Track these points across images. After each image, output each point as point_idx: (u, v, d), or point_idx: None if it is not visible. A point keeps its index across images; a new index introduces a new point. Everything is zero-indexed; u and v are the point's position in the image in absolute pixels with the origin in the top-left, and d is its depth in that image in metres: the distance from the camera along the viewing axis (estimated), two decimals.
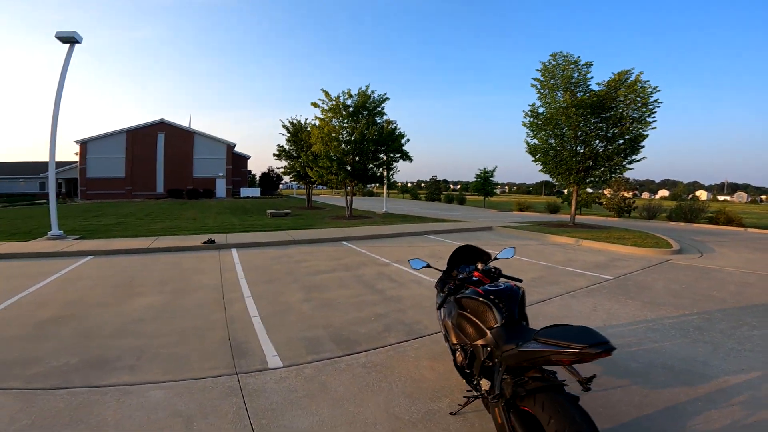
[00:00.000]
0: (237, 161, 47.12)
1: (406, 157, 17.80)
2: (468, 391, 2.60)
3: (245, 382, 3.16)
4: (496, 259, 3.16)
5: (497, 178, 35.91)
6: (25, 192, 40.78)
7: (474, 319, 2.45)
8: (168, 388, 3.09)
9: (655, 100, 12.66)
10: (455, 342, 2.67)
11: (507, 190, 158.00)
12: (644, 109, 12.79)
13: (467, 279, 2.83)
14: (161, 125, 41.44)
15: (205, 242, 9.69)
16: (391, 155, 17.70)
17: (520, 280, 2.90)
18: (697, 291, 6.10)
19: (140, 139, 40.25)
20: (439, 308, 3.00)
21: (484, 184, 35.02)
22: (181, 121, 49.47)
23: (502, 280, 2.86)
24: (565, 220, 16.22)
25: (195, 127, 45.02)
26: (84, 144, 38.60)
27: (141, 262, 7.95)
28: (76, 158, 39.31)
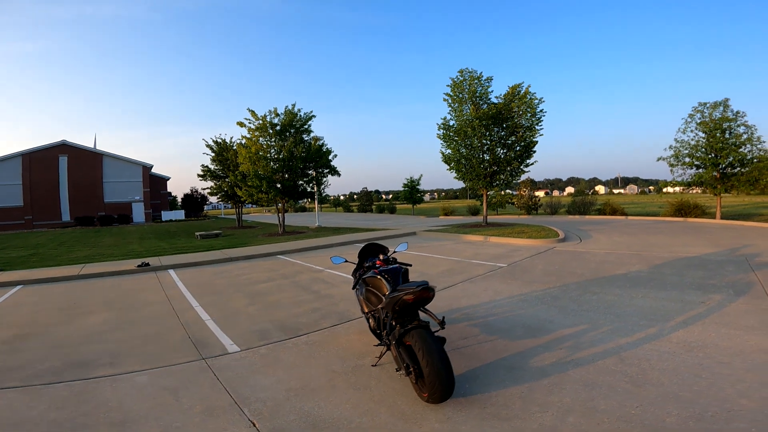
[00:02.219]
0: (155, 183, 44.58)
1: (334, 172, 18.78)
2: (377, 344, 3.72)
3: (212, 363, 3.98)
4: (395, 252, 4.43)
5: (426, 186, 38.63)
6: None
7: (375, 291, 3.66)
8: (150, 373, 3.81)
9: (541, 110, 15.20)
10: (366, 311, 3.86)
11: (436, 196, 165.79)
12: (533, 119, 15.25)
13: (372, 267, 4.00)
14: (63, 147, 37.98)
15: (139, 265, 9.83)
16: (320, 170, 18.53)
17: (410, 265, 4.14)
18: (565, 270, 7.86)
19: (39, 162, 36.54)
20: (353, 288, 4.20)
21: (412, 192, 37.07)
22: (86, 142, 45.45)
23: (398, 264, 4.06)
24: (480, 221, 18.35)
25: (103, 148, 41.75)
26: None
27: (76, 287, 8.03)
28: None
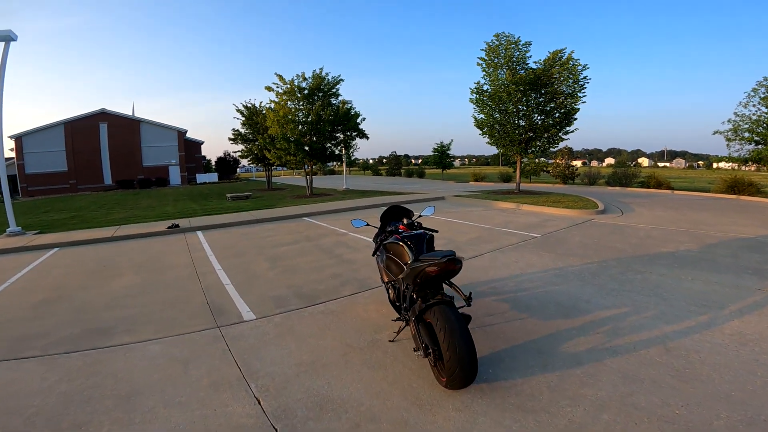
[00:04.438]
0: (190, 147, 45.57)
1: (362, 135, 18.46)
2: (395, 319, 3.46)
3: (226, 332, 3.89)
4: (420, 216, 4.04)
5: (457, 151, 37.58)
6: None
7: (395, 258, 3.30)
8: (163, 342, 3.76)
9: (585, 77, 14.12)
10: (386, 280, 3.53)
11: (466, 162, 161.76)
12: (576, 86, 14.21)
13: (394, 231, 3.62)
14: (102, 115, 39.16)
15: (169, 227, 10.02)
16: (348, 133, 18.31)
17: (436, 231, 3.78)
18: (604, 244, 7.26)
19: (80, 130, 37.94)
20: (373, 254, 3.84)
21: (442, 157, 36.17)
22: (124, 109, 46.88)
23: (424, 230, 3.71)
24: (513, 188, 17.59)
25: (140, 114, 42.83)
26: (19, 139, 35.97)
27: (108, 250, 8.27)
28: (13, 154, 36.62)
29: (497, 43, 14.95)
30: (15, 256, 8.01)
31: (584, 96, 14.43)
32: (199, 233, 9.61)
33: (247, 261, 6.67)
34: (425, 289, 2.93)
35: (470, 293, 2.96)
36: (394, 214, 4.08)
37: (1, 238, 10.04)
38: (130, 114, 41.70)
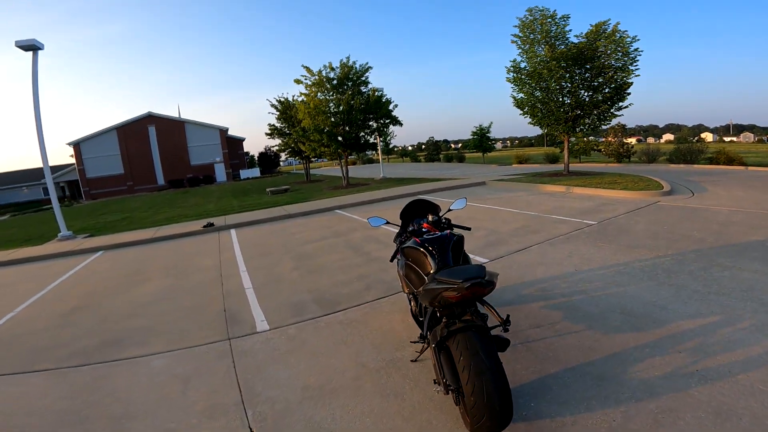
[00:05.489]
0: (233, 144, 47.04)
1: (396, 122, 17.91)
2: (419, 337, 2.90)
3: (236, 345, 3.56)
4: (449, 210, 3.42)
5: (497, 134, 35.84)
6: (30, 199, 41.47)
7: (415, 267, 2.70)
8: (170, 357, 3.51)
9: (636, 49, 12.76)
10: (407, 291, 2.97)
11: (509, 144, 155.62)
12: (626, 58, 12.85)
13: (417, 231, 3.04)
14: (150, 118, 41.24)
15: (204, 226, 10.07)
16: (382, 121, 17.82)
17: (469, 228, 3.16)
18: (678, 232, 6.11)
19: (132, 133, 40.18)
20: (392, 259, 3.25)
21: (482, 140, 34.79)
22: (171, 111, 49.22)
23: (454, 230, 3.09)
24: (560, 170, 16.26)
25: (185, 115, 44.69)
26: (77, 145, 38.67)
27: (146, 252, 8.39)
28: (73, 160, 39.61)
29: (531, 18, 13.69)
30: (62, 261, 8.32)
31: (637, 69, 12.92)
32: (232, 231, 9.56)
33: (273, 261, 6.39)
34: (450, 307, 2.31)
35: (508, 316, 2.30)
36: (417, 210, 3.47)
37: (53, 242, 10.59)
38: (176, 116, 43.59)
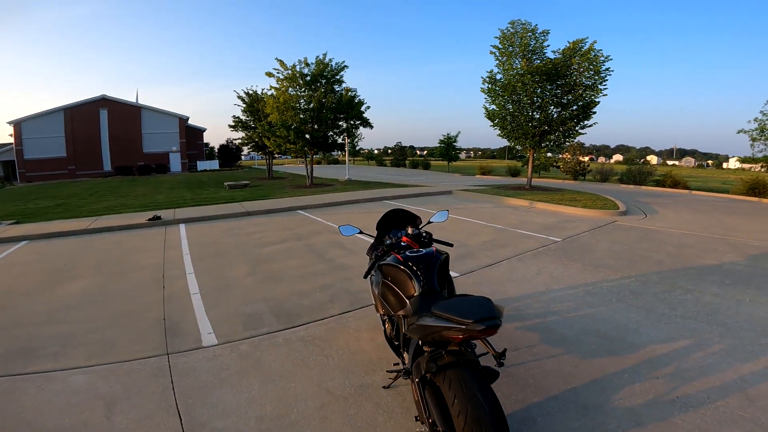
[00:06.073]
0: (192, 134, 44.69)
1: (366, 123, 17.57)
2: (395, 364, 2.57)
3: (175, 362, 3.05)
4: (429, 222, 3.09)
5: (462, 144, 36.32)
6: None
7: (395, 287, 2.35)
8: (92, 372, 2.94)
9: (607, 69, 13.14)
10: (381, 312, 2.61)
11: (472, 155, 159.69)
12: (596, 77, 13.22)
13: (395, 245, 2.68)
14: (103, 101, 38.32)
15: (150, 219, 9.19)
16: (352, 122, 17.42)
17: (451, 245, 2.87)
18: (637, 253, 6.25)
19: (81, 116, 37.15)
20: (365, 276, 2.83)
21: (448, 149, 35.20)
22: (128, 97, 45.80)
23: (434, 245, 2.79)
24: (523, 183, 16.61)
25: (144, 102, 42.06)
26: (18, 125, 35.22)
27: (78, 244, 7.47)
28: (12, 140, 36.00)
29: (512, 30, 13.86)
30: None
31: (605, 89, 13.40)
32: (182, 226, 8.77)
33: (225, 263, 5.80)
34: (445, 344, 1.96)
35: (505, 350, 1.97)
36: (395, 220, 3.13)
37: None
38: (132, 101, 40.87)
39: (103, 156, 38.43)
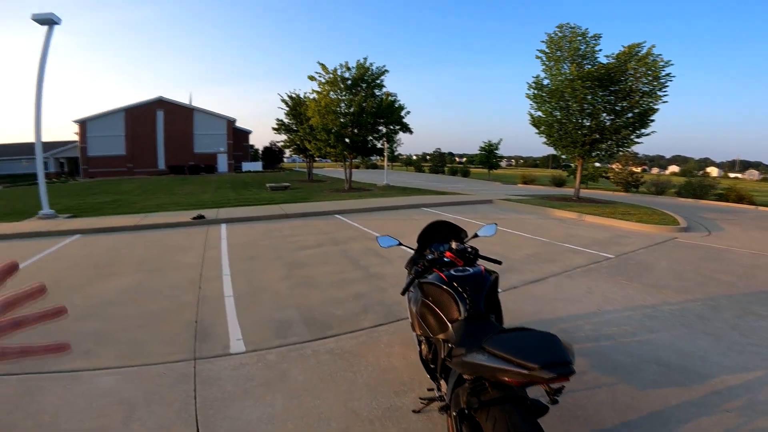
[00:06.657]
0: (238, 136, 46.55)
1: (406, 129, 17.45)
2: (429, 389, 2.32)
3: (201, 369, 2.96)
4: (475, 236, 2.79)
5: (503, 151, 35.32)
6: (28, 172, 40.70)
7: (436, 309, 2.09)
8: (119, 374, 2.91)
9: (667, 74, 12.18)
10: (419, 333, 2.36)
11: (513, 163, 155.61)
12: (655, 83, 12.29)
13: (437, 260, 2.41)
14: (160, 103, 40.85)
15: (194, 218, 9.47)
16: (391, 127, 17.34)
17: (499, 263, 2.58)
18: (703, 273, 5.67)
19: (139, 116, 39.80)
20: (403, 293, 2.56)
21: (489, 156, 34.45)
22: (183, 98, 48.60)
23: (480, 261, 2.51)
24: (569, 194, 15.78)
25: (196, 104, 44.42)
26: (83, 123, 38.27)
27: (126, 240, 7.77)
28: (77, 137, 39.09)
29: (561, 34, 13.18)
30: (34, 242, 7.69)
31: (665, 95, 12.40)
32: (223, 226, 8.96)
33: (260, 266, 5.78)
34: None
35: (563, 386, 1.70)
36: (438, 233, 2.86)
37: (32, 220, 9.96)
38: (186, 102, 43.22)
39: (158, 155, 40.84)
